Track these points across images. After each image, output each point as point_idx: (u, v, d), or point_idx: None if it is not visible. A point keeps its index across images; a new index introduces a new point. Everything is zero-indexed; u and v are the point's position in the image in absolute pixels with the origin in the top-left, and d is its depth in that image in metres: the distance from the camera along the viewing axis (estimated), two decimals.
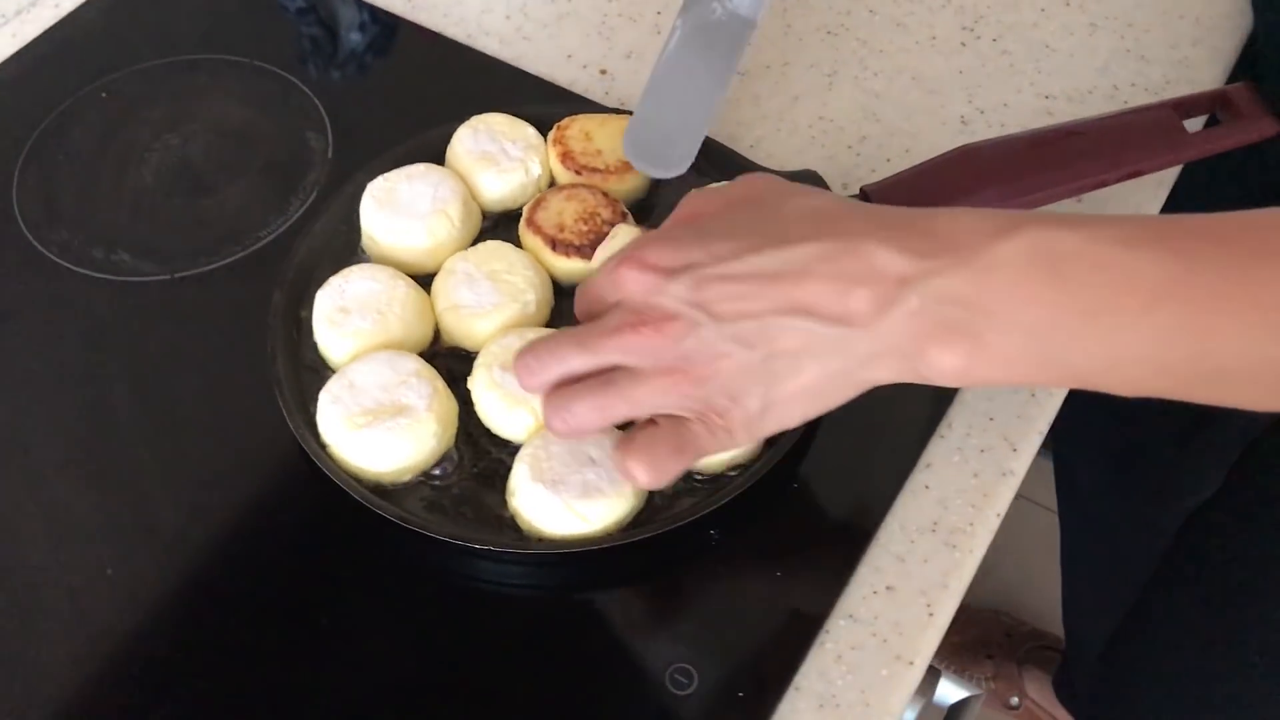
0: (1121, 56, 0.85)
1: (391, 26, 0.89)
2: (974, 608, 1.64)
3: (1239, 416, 1.06)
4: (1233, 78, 0.85)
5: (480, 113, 0.76)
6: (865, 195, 0.69)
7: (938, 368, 0.50)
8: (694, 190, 0.59)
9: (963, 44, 0.87)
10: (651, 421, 0.56)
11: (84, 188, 0.78)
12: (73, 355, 0.71)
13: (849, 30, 0.88)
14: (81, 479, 0.67)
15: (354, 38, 0.90)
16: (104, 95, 0.83)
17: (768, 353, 0.52)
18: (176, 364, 0.71)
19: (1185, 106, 0.69)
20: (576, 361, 0.55)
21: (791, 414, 0.54)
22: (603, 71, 0.85)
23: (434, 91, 0.84)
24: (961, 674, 1.60)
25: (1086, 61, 0.85)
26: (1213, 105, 0.70)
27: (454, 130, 0.75)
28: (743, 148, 0.78)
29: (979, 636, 1.61)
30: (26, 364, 0.71)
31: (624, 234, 0.68)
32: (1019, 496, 0.66)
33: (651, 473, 0.56)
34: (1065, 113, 0.82)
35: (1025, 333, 0.49)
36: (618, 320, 0.54)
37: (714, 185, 0.64)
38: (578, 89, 0.84)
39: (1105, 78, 0.84)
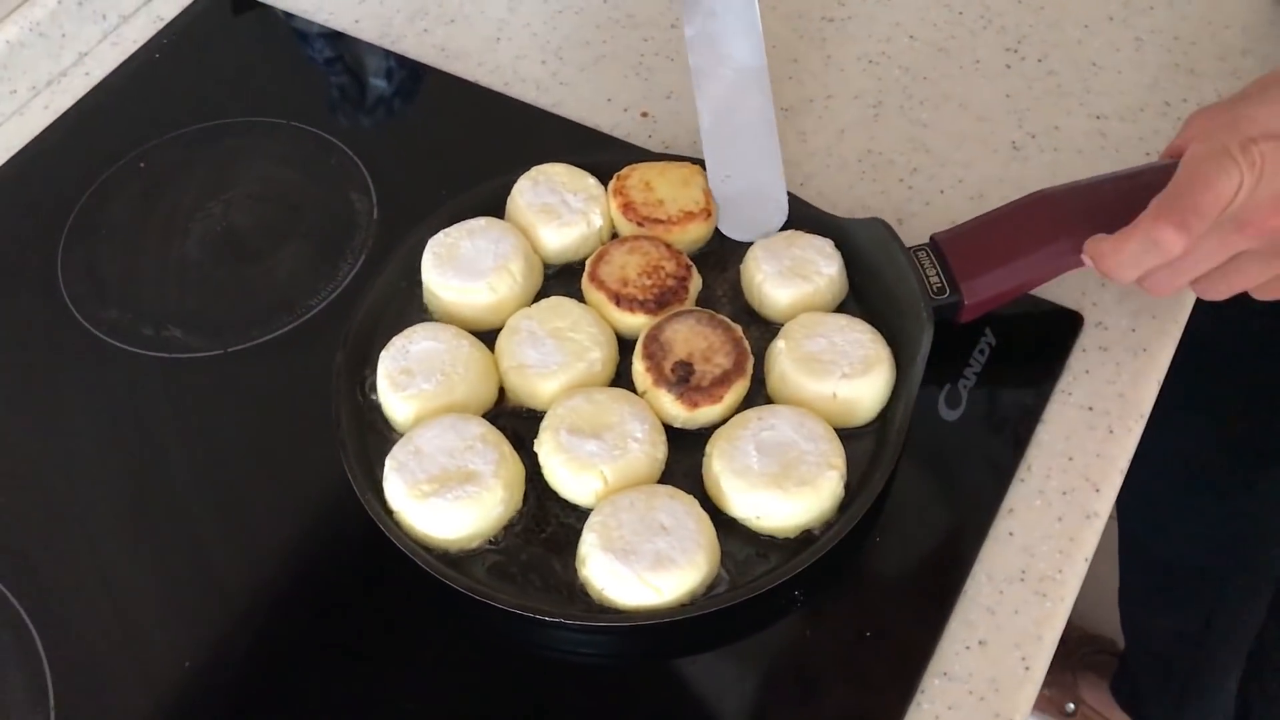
0: (1170, 71, 0.84)
1: (417, 70, 0.88)
2: None
3: None
4: None
5: (523, 164, 0.75)
6: (936, 244, 0.67)
7: None
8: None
9: (1008, 66, 0.85)
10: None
11: (129, 263, 0.77)
12: (129, 437, 0.70)
13: (890, 59, 0.86)
14: (146, 560, 0.66)
15: (380, 84, 0.89)
16: (142, 165, 0.82)
17: None
18: (235, 438, 0.70)
19: None
20: (1224, 254, 0.60)
21: None
22: (644, 114, 0.84)
23: (474, 143, 0.83)
24: None
25: (1135, 78, 0.84)
26: None
27: (511, 181, 0.74)
28: (793, 186, 0.77)
29: None
30: (84, 449, 0.70)
31: None
32: None
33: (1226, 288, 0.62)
34: (1118, 133, 0.80)
35: None
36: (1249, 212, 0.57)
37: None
38: (620, 133, 0.83)
39: (1156, 94, 0.83)
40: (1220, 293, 0.63)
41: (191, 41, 0.91)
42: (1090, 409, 0.68)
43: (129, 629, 0.63)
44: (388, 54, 0.89)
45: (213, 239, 0.78)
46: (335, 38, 0.91)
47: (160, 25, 0.92)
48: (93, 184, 0.81)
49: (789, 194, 0.74)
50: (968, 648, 0.60)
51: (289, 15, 0.93)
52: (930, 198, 0.78)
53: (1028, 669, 0.60)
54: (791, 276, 0.69)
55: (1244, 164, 0.56)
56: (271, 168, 0.82)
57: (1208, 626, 1.31)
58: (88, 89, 0.88)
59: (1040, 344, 0.71)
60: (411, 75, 0.88)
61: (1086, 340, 0.71)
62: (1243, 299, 0.63)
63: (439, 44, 0.89)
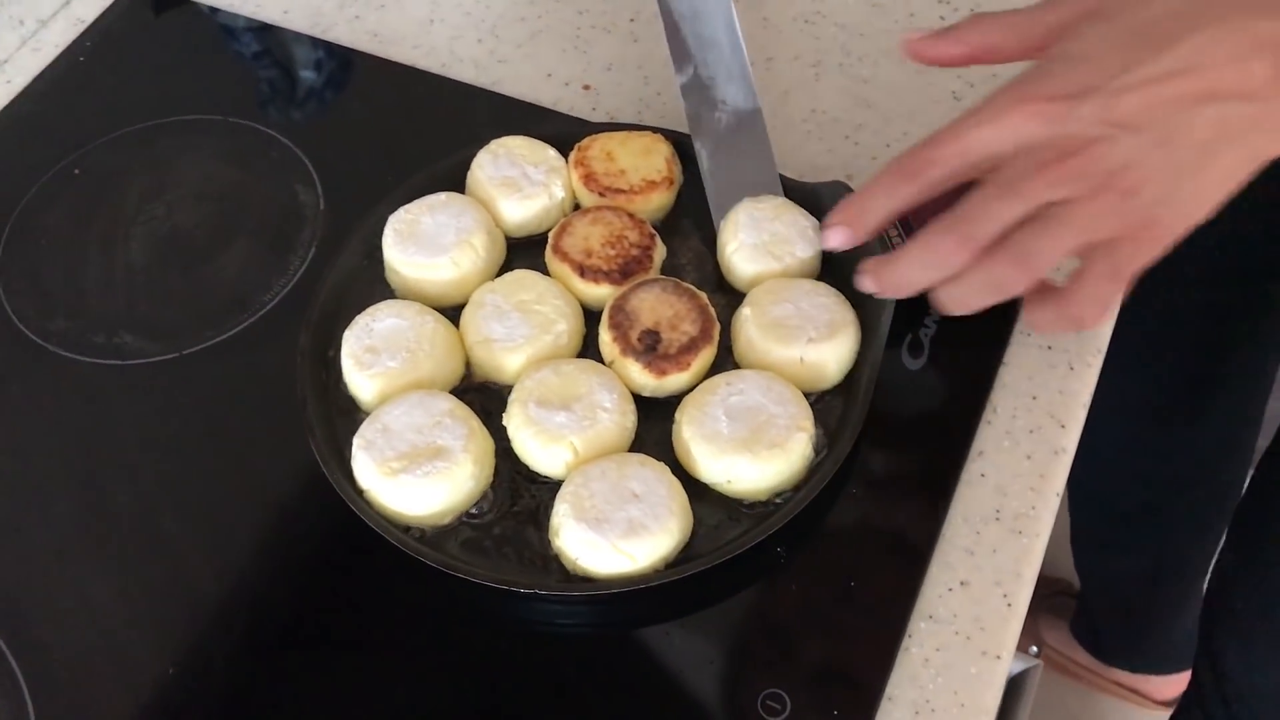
0: None
1: (349, 59, 0.87)
2: None
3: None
4: None
5: (468, 144, 0.74)
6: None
7: None
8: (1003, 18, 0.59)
9: (941, 17, 0.86)
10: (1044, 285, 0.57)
11: (73, 272, 0.75)
12: (89, 448, 0.69)
13: (826, 17, 0.87)
14: (116, 569, 0.65)
15: (310, 76, 0.87)
16: (77, 171, 0.80)
17: (1186, 148, 0.52)
18: (198, 440, 0.69)
19: None
20: (1007, 211, 0.55)
21: (1206, 207, 0.54)
22: (586, 87, 0.83)
23: (417, 127, 0.82)
24: None
25: None
26: None
27: (471, 156, 0.74)
28: None
29: None
30: (43, 464, 0.69)
31: None
32: None
33: (1101, 308, 0.56)
34: None
35: None
36: (1035, 159, 0.54)
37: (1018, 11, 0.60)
38: (563, 108, 0.82)
39: None
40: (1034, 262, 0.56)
41: (115, 43, 0.89)
42: (1049, 348, 0.69)
43: (107, 640, 0.62)
44: (317, 44, 0.88)
45: (158, 242, 0.77)
46: (262, 31, 0.89)
47: (81, 28, 0.90)
48: (26, 194, 0.79)
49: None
50: (950, 590, 0.61)
51: (214, 10, 0.91)
52: (878, 152, 0.79)
53: (1010, 605, 0.61)
54: (763, 254, 0.68)
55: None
56: (211, 166, 0.81)
57: (1159, 564, 1.34)
58: (11, 97, 0.86)
59: None
60: (342, 65, 0.87)
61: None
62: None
63: (371, 30, 0.88)
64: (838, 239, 0.62)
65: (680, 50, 0.74)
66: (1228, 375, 1.12)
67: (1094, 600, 1.49)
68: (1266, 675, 1.02)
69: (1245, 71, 0.51)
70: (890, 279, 0.60)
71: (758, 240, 0.69)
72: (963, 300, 0.57)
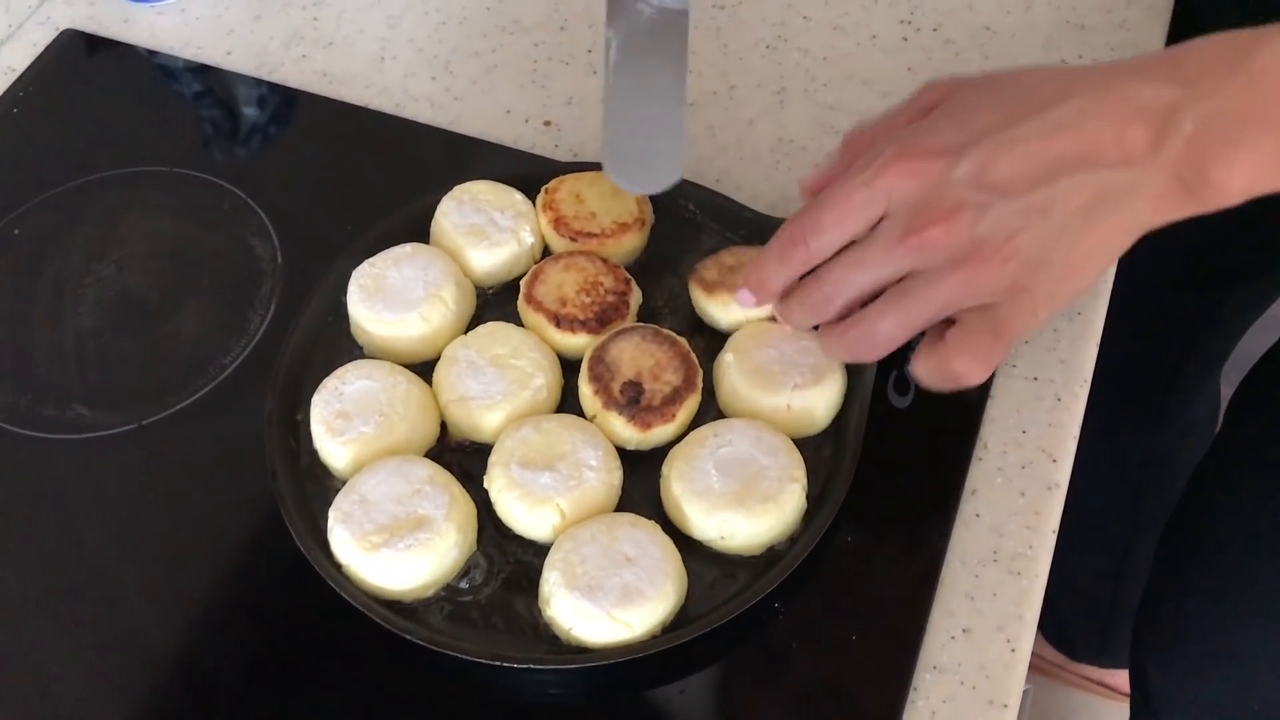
0: (1062, 28, 0.84)
1: (294, 98, 0.84)
2: None
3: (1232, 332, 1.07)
4: (1172, 34, 0.85)
5: (427, 188, 0.72)
6: None
7: (1221, 188, 0.49)
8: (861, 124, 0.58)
9: (904, 39, 0.85)
10: (946, 322, 0.55)
11: (18, 341, 0.72)
12: (45, 528, 0.66)
13: (788, 42, 0.85)
14: (80, 651, 0.62)
15: (252, 113, 0.84)
16: (16, 232, 0.77)
17: (1060, 215, 0.51)
18: (162, 513, 0.66)
19: None
20: (867, 279, 0.54)
21: (1087, 275, 0.53)
22: (547, 123, 0.81)
23: (374, 172, 0.79)
24: None
25: (1029, 39, 0.84)
26: None
27: (434, 203, 0.71)
28: (708, 182, 0.75)
29: None
30: None
31: None
32: None
33: (980, 364, 0.55)
34: None
35: None
36: (902, 225, 0.53)
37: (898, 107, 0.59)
38: (524, 145, 0.80)
39: (1051, 53, 0.83)
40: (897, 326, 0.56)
41: (50, 92, 0.85)
42: (1035, 379, 0.68)
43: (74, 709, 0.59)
44: (260, 81, 0.85)
45: (108, 305, 0.73)
46: (204, 71, 0.86)
47: (13, 77, 0.86)
48: None
49: (721, 193, 0.72)
50: (953, 637, 0.60)
51: (152, 53, 0.87)
52: None
53: (1014, 650, 0.59)
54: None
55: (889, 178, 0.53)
56: (160, 221, 0.77)
57: (1123, 562, 1.34)
58: None
59: None
60: (286, 99, 0.84)
61: None
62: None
63: (320, 69, 0.85)
64: (746, 301, 0.62)
65: None
66: (1183, 385, 1.13)
67: (1060, 600, 1.49)
68: (1192, 687, 1.03)
69: (1123, 137, 0.50)
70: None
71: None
72: (831, 353, 0.58)
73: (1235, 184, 0.49)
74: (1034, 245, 0.51)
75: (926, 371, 0.57)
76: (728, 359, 0.65)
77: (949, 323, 0.56)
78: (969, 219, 0.51)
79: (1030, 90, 0.52)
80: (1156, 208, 0.51)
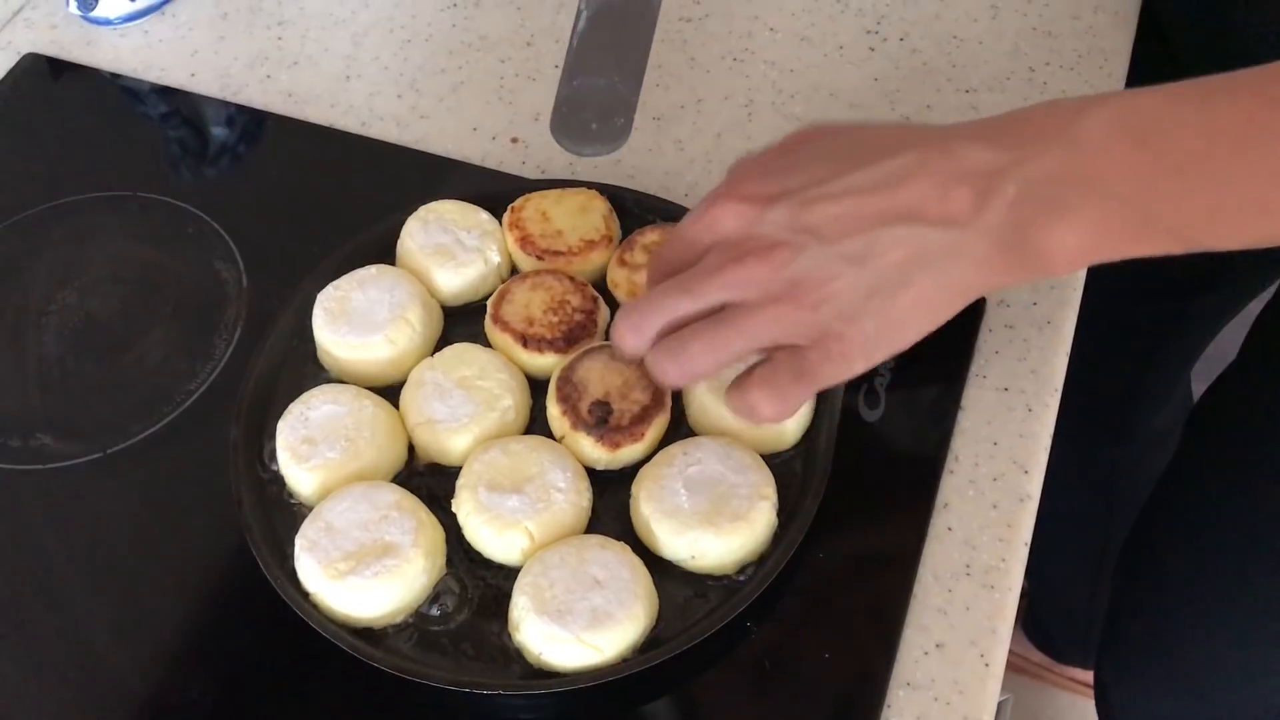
0: (1029, 35, 0.84)
1: (260, 115, 0.83)
2: None
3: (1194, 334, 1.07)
4: (1139, 40, 0.85)
5: (394, 208, 0.71)
6: None
7: (1045, 255, 0.49)
8: (747, 155, 0.57)
9: (871, 49, 0.84)
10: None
11: None
12: (6, 561, 0.65)
13: (754, 54, 0.85)
14: (46, 684, 0.61)
15: (221, 133, 0.84)
16: None
17: (877, 268, 0.51)
18: (128, 543, 0.65)
19: None
20: (684, 306, 0.54)
21: (906, 333, 0.53)
22: (514, 140, 0.81)
23: (340, 192, 0.79)
24: None
25: (996, 47, 0.84)
26: None
27: (399, 223, 0.71)
28: (677, 197, 0.75)
29: None
30: None
31: None
32: None
33: (777, 403, 0.55)
34: (989, 104, 0.81)
35: (1122, 200, 0.48)
36: (721, 257, 0.53)
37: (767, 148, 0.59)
38: (491, 163, 0.79)
39: (1019, 60, 0.83)
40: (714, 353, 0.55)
41: (13, 117, 0.84)
42: (1006, 389, 0.68)
43: None
44: (225, 102, 0.84)
45: (72, 332, 0.72)
46: (169, 92, 0.85)
47: None
48: None
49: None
50: (926, 653, 0.60)
51: (116, 76, 0.87)
52: None
53: (987, 665, 0.59)
54: None
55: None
56: (124, 245, 0.76)
57: (1100, 567, 1.34)
58: None
59: (948, 327, 0.70)
60: (254, 119, 0.83)
61: (992, 319, 0.71)
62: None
63: (285, 89, 0.84)
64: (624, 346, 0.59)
65: None
66: (1147, 394, 1.13)
67: (1041, 604, 1.49)
68: (1151, 704, 1.03)
69: (947, 197, 0.50)
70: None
71: None
72: (652, 373, 0.57)
73: (1059, 252, 0.49)
74: (849, 294, 0.51)
75: (729, 400, 0.57)
76: None
77: None
78: (785, 257, 0.51)
79: (871, 143, 0.53)
80: (982, 272, 0.51)
